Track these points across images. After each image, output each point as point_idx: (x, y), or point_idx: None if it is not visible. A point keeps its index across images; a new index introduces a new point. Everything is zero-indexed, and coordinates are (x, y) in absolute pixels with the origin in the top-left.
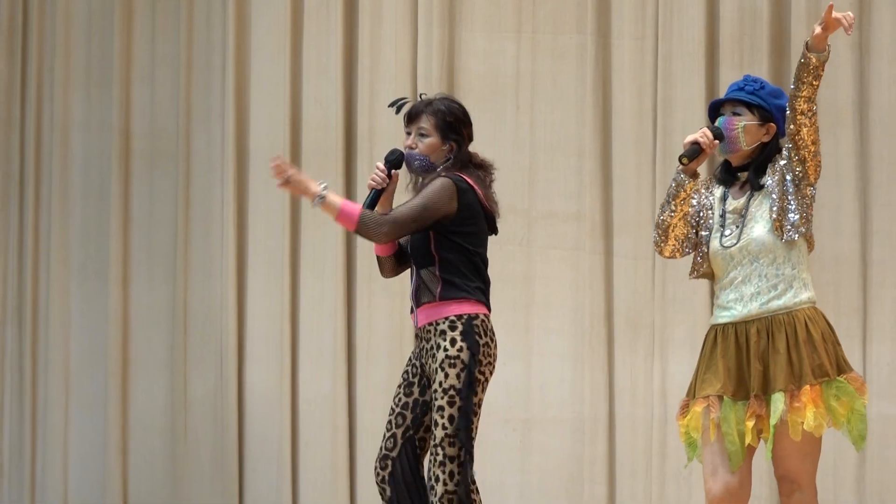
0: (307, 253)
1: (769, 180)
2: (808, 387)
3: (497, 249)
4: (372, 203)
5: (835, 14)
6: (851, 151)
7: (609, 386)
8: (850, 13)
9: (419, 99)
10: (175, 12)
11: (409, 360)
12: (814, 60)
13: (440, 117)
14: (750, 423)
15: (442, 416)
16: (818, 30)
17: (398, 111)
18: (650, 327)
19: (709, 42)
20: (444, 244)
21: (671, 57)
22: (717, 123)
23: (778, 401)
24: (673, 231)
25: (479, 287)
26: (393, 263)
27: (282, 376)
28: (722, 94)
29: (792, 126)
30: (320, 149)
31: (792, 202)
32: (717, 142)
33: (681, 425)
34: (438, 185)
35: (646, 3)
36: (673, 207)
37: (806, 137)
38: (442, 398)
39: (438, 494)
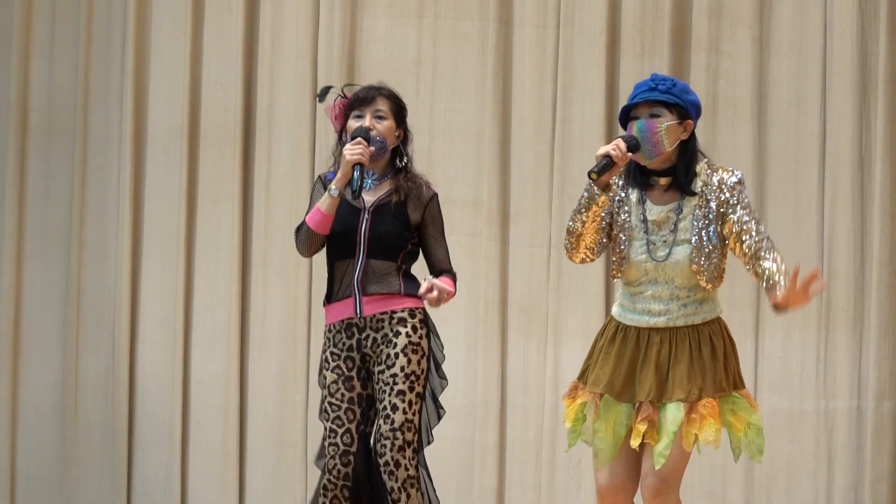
0: (203, 234)
1: (704, 196)
2: (708, 400)
3: None
4: (361, 178)
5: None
6: (749, 145)
7: (501, 373)
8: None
9: (343, 89)
10: None
11: (338, 353)
12: (776, 311)
13: (395, 102)
14: (642, 427)
15: (403, 401)
16: (780, 296)
17: (322, 99)
18: (544, 316)
19: (610, 32)
20: (414, 244)
21: (572, 46)
22: (634, 131)
23: (676, 409)
24: (583, 240)
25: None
26: (322, 243)
27: (174, 357)
28: (623, 84)
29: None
30: (219, 129)
31: (714, 254)
32: (629, 154)
33: (568, 408)
34: (438, 204)
35: None
36: (584, 218)
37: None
38: (403, 382)
39: (400, 480)
